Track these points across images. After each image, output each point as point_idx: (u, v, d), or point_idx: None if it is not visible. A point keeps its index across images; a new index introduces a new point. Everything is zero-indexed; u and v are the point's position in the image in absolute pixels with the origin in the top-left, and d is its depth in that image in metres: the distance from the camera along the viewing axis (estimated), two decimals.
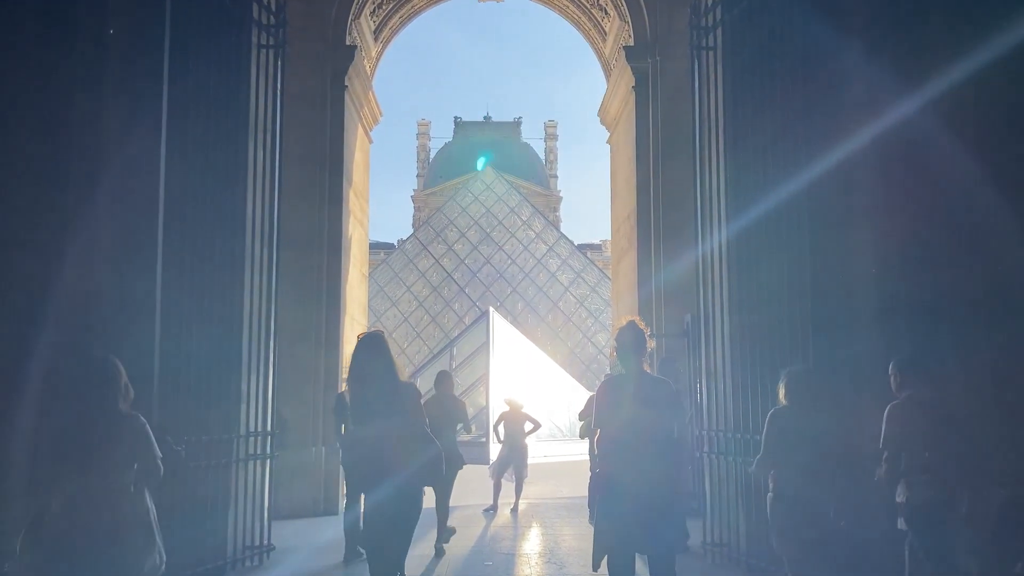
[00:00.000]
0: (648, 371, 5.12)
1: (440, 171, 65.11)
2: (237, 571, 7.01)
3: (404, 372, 4.86)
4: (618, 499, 4.77)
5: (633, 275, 11.57)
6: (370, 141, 13.82)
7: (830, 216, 6.40)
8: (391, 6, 13.68)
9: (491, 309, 26.83)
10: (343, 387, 7.43)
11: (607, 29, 13.68)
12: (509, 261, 45.29)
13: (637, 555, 4.95)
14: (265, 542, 7.41)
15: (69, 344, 5.58)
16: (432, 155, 68.69)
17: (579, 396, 21.52)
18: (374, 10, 13.24)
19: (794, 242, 6.59)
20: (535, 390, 20.80)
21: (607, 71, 14.08)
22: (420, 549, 7.79)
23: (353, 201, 12.16)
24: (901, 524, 4.97)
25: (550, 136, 69.91)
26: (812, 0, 6.61)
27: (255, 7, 7.57)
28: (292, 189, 9.13)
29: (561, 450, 21.29)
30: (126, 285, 6.04)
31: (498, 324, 24.70)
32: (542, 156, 68.93)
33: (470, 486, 11.79)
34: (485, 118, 70.75)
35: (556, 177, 67.88)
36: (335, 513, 10.23)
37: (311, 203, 10.81)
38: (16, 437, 5.02)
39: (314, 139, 10.94)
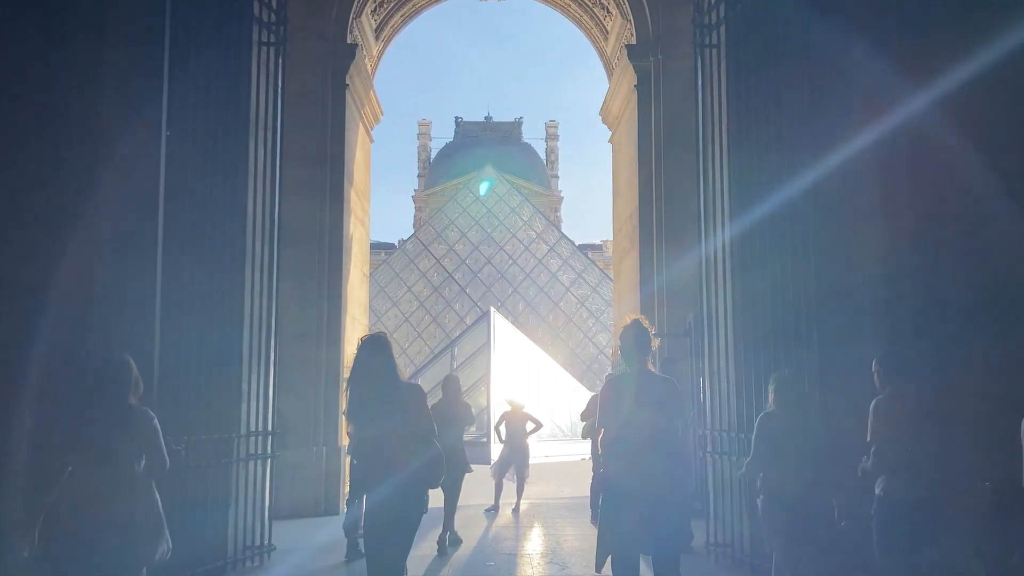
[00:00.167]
0: (652, 370, 5.09)
1: (441, 171, 65.12)
2: (238, 571, 6.98)
3: (405, 373, 4.84)
4: (622, 499, 4.74)
5: (635, 275, 11.53)
6: (371, 140, 13.79)
7: (835, 215, 6.37)
8: (392, 5, 13.64)
9: (492, 309, 26.85)
10: (345, 387, 7.40)
11: (609, 28, 13.64)
12: (510, 261, 45.31)
13: (641, 556, 4.91)
14: (266, 542, 7.37)
15: (74, 343, 5.56)
16: (433, 155, 68.71)
17: (580, 396, 21.53)
18: (375, 9, 13.19)
19: (798, 241, 6.57)
20: (536, 390, 20.77)
21: (609, 70, 14.05)
22: (422, 549, 7.76)
23: (354, 200, 12.12)
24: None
25: (551, 136, 69.95)
26: None
27: (256, 4, 7.53)
28: (293, 188, 9.08)
29: (562, 450, 21.30)
30: (126, 283, 6.01)
31: (499, 324, 24.69)
32: (543, 156, 68.96)
33: (472, 486, 11.71)
34: (486, 118, 70.79)
35: (557, 177, 67.94)
36: (336, 513, 10.19)
37: (312, 202, 10.76)
38: (14, 434, 4.99)
39: (315, 137, 10.90)
